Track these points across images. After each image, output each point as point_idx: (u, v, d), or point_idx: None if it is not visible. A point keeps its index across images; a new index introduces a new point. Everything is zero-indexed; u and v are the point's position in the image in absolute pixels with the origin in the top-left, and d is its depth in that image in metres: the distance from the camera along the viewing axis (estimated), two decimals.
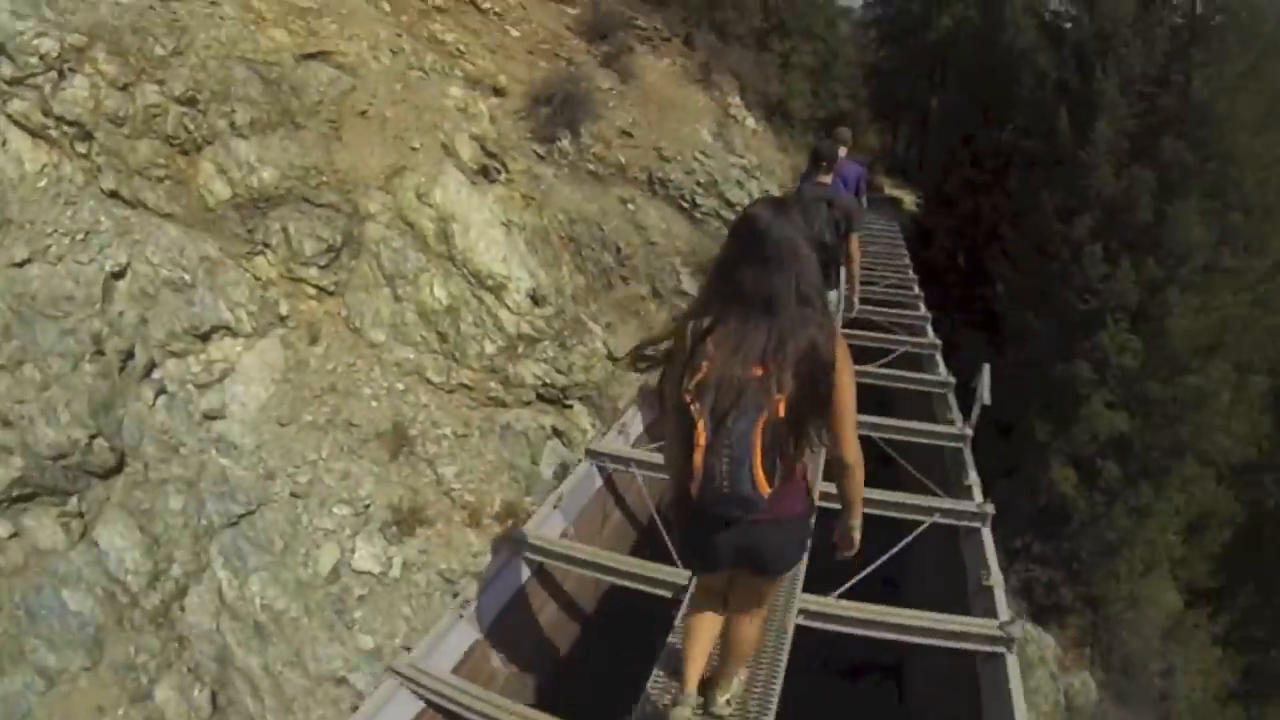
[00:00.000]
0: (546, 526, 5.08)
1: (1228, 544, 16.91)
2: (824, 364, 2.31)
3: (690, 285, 11.61)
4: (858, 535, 2.73)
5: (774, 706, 3.46)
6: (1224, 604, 17.91)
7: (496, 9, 13.26)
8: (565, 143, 11.96)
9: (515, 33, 13.28)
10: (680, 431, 2.35)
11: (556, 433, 7.85)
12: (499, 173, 9.22)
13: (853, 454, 2.52)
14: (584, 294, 9.52)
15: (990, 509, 5.21)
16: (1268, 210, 13.97)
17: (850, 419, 2.47)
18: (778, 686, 3.58)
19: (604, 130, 12.80)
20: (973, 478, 5.86)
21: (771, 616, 3.92)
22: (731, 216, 12.98)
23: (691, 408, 2.28)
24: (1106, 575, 13.71)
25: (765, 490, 2.29)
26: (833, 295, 5.66)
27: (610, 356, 9.05)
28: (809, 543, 2.80)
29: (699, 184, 13.45)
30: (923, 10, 31.85)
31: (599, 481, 6.07)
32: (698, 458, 2.27)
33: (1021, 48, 19.73)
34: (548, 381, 7.95)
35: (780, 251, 2.32)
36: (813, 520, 2.73)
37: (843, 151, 7.68)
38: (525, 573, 4.96)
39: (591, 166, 12.24)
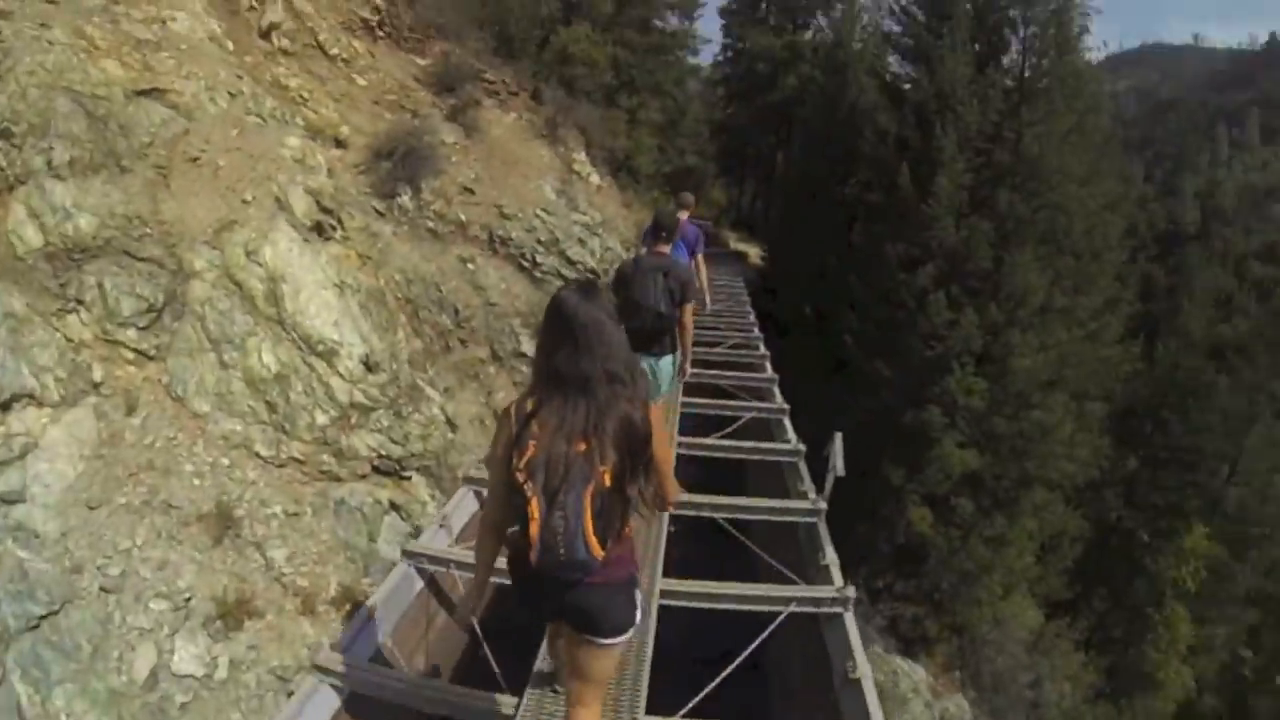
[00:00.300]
0: (358, 644, 4.62)
1: (1079, 557, 18.89)
2: (640, 436, 2.55)
3: (530, 347, 11.65)
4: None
5: None
6: (1080, 612, 19.95)
7: (344, 55, 13.14)
8: (405, 199, 11.92)
9: (362, 81, 13.17)
10: (515, 508, 2.56)
11: (394, 507, 7.63)
12: (334, 229, 8.97)
13: (673, 495, 2.85)
14: (421, 358, 9.41)
15: (851, 593, 5.13)
16: (1095, 254, 15.85)
17: (668, 474, 2.80)
18: None
19: (446, 186, 12.84)
20: (830, 556, 5.72)
21: None
22: (572, 275, 13.30)
23: (524, 486, 2.48)
24: (968, 603, 14.93)
25: (599, 554, 2.50)
26: (669, 360, 5.82)
27: (449, 423, 8.98)
28: (635, 614, 2.88)
29: (540, 242, 13.70)
30: (770, 70, 33.65)
31: (418, 585, 5.55)
32: (533, 530, 2.46)
33: (864, 107, 21.79)
34: (383, 453, 7.74)
35: (588, 334, 2.55)
36: (637, 586, 2.90)
37: (684, 215, 8.20)
38: (332, 706, 4.30)
39: (431, 224, 12.26)
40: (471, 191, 13.26)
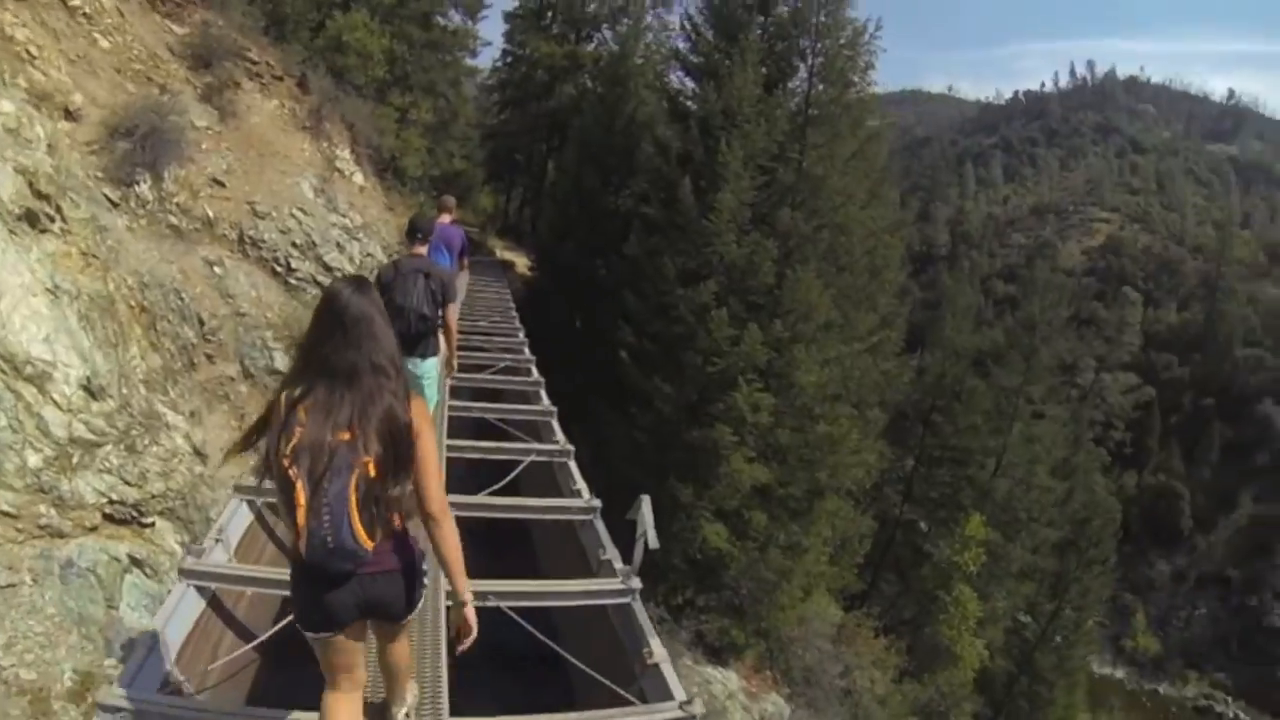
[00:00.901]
0: (144, 676, 4.04)
1: (868, 551, 20.24)
2: (401, 427, 2.64)
3: (284, 363, 10.61)
4: (471, 613, 2.97)
5: None
6: (875, 600, 22.17)
7: (87, 9, 11.12)
8: (144, 188, 10.37)
9: (105, 44, 11.29)
10: (282, 495, 2.57)
11: (136, 563, 6.32)
12: (51, 220, 7.26)
13: (437, 505, 2.82)
14: (159, 378, 8.00)
15: (636, 583, 5.20)
16: (875, 272, 16.74)
17: (432, 473, 2.82)
18: None
19: (193, 176, 11.35)
20: (611, 551, 5.76)
21: None
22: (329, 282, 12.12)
23: (289, 471, 2.50)
24: (771, 608, 15.00)
25: (367, 543, 2.57)
26: (434, 361, 5.92)
27: (197, 454, 7.72)
28: (424, 580, 3.06)
29: (295, 245, 12.53)
30: (547, 78, 33.30)
31: (200, 607, 4.93)
32: (300, 517, 2.50)
33: (643, 119, 22.02)
34: (116, 497, 6.40)
35: (359, 327, 2.64)
36: (424, 564, 3.01)
37: (446, 218, 8.46)
38: None
39: (174, 219, 10.77)
40: (222, 184, 11.78)
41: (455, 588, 2.94)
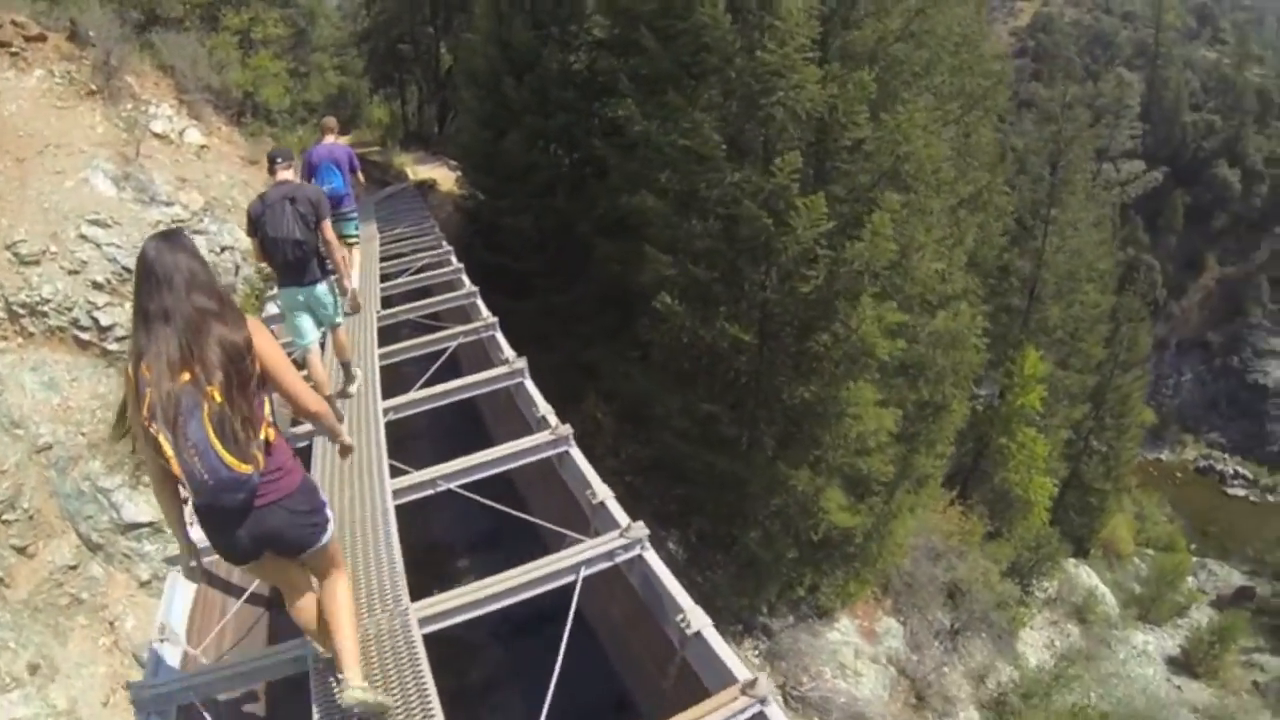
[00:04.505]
0: (162, 671, 4.04)
1: None
2: (237, 347, 2.70)
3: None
4: (347, 439, 3.62)
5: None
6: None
7: None
8: None
9: None
10: (153, 454, 2.67)
11: None
12: None
13: (313, 404, 3.15)
14: None
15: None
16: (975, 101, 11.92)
17: (291, 377, 3.02)
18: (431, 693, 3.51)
19: None
20: (543, 407, 5.96)
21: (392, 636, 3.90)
22: None
23: (151, 429, 2.59)
24: (892, 550, 13.14)
25: (241, 467, 2.64)
26: (324, 288, 5.75)
27: None
28: (324, 510, 3.13)
29: (99, 284, 8.61)
30: None
31: (193, 586, 4.66)
32: (174, 466, 2.58)
33: None
34: None
35: (168, 273, 2.67)
36: (313, 490, 3.11)
37: (330, 138, 8.12)
38: None
39: None
40: None
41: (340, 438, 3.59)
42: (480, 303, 8.60)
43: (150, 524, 7.34)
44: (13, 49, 10.43)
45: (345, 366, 6.35)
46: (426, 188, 22.75)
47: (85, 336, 8.23)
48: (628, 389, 11.85)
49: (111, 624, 6.66)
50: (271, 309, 8.93)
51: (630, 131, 10.36)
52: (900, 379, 10.76)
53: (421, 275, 10.44)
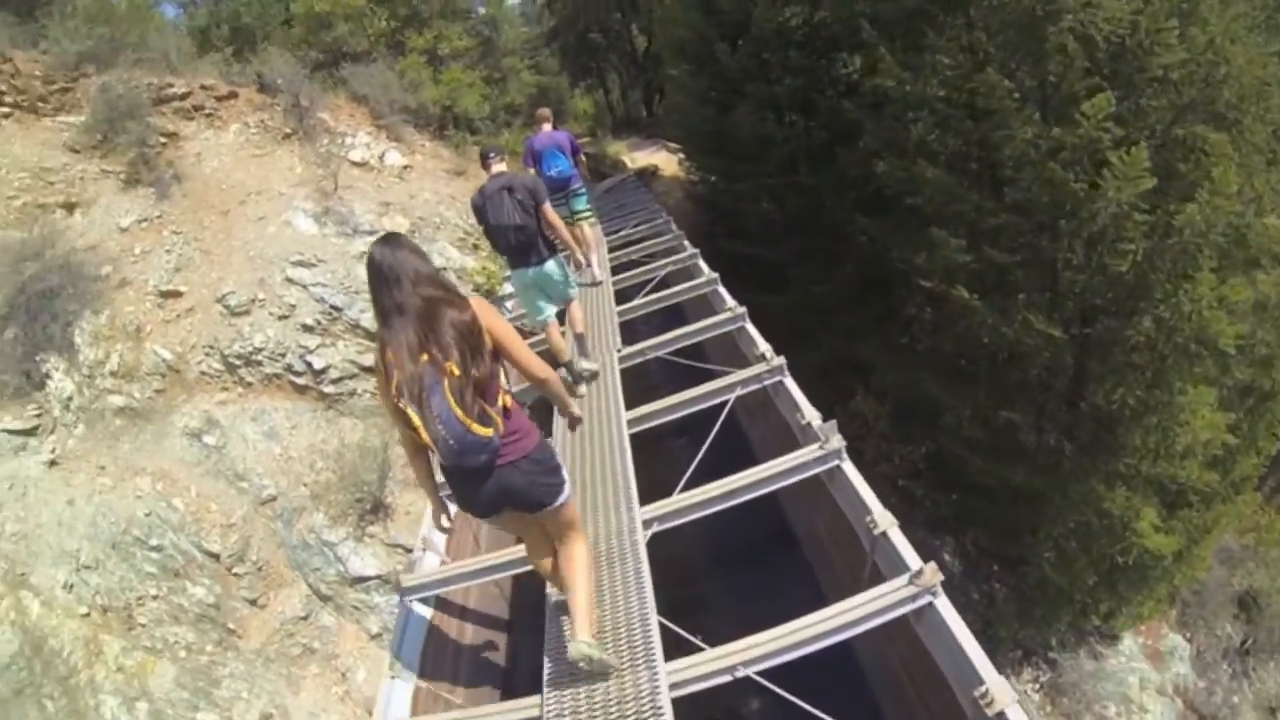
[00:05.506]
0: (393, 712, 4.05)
1: None
2: (466, 325, 2.95)
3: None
4: (575, 410, 3.64)
5: (653, 622, 3.57)
6: None
7: None
8: (57, 380, 6.76)
9: None
10: (404, 426, 2.98)
11: None
12: None
13: (540, 370, 3.30)
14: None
15: (781, 360, 5.24)
16: None
17: (519, 347, 3.18)
18: (648, 595, 3.70)
19: (125, 312, 7.59)
20: (762, 345, 5.97)
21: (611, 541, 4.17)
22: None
23: (400, 404, 2.90)
24: (1197, 565, 10.49)
25: (483, 431, 2.90)
26: (553, 265, 5.95)
27: None
28: (561, 472, 3.33)
29: (310, 327, 8.25)
30: None
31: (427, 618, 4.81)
32: (424, 435, 2.88)
33: None
34: None
35: (395, 271, 2.95)
36: (548, 452, 3.28)
37: (546, 127, 8.31)
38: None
39: (116, 399, 6.96)
40: (174, 294, 7.91)
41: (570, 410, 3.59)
42: (723, 290, 7.89)
43: (377, 576, 6.87)
44: (206, 111, 10.62)
45: (579, 340, 6.50)
46: (648, 175, 21.98)
47: (300, 381, 7.97)
48: (903, 389, 10.08)
49: (344, 674, 6.21)
50: (508, 288, 9.42)
51: (873, 87, 8.59)
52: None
53: (656, 265, 9.60)
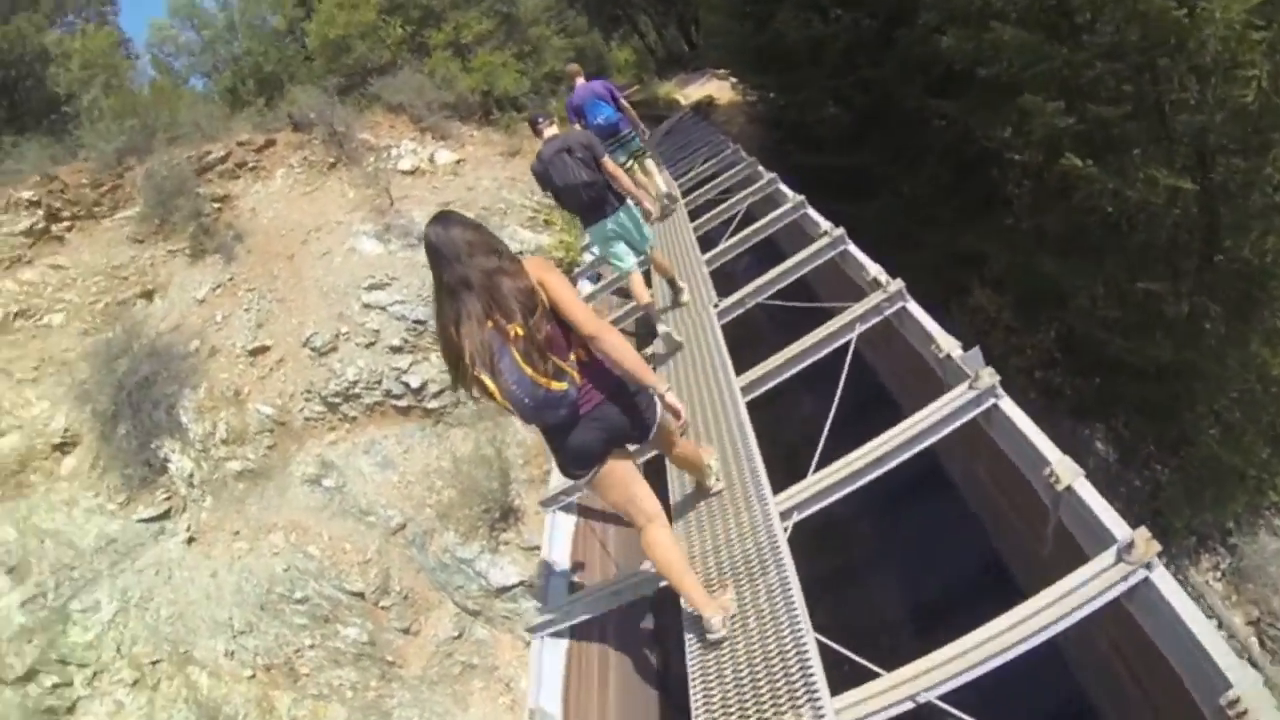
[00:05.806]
0: (551, 597, 4.37)
1: None
2: (525, 289, 2.96)
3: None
4: (671, 397, 3.20)
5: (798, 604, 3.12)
6: None
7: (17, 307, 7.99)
8: (176, 461, 6.97)
9: (57, 318, 8.10)
10: (483, 394, 2.92)
11: None
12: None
13: (591, 326, 3.10)
14: None
15: (899, 284, 4.67)
16: None
17: (573, 304, 3.10)
18: (799, 610, 3.10)
19: (222, 378, 7.70)
20: (873, 269, 5.20)
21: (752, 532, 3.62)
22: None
23: (474, 373, 2.89)
24: None
25: (556, 385, 2.94)
26: (624, 214, 5.93)
27: None
28: (649, 393, 3.23)
29: (394, 346, 8.09)
30: None
31: (571, 523, 4.87)
32: (501, 400, 2.90)
33: None
34: None
35: (452, 248, 2.98)
36: (634, 387, 3.20)
37: (580, 81, 8.27)
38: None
39: (233, 465, 7.06)
40: (263, 349, 7.93)
41: (646, 383, 3.18)
42: (813, 212, 7.09)
43: (520, 583, 6.68)
44: (249, 165, 10.67)
45: (671, 282, 6.43)
46: (705, 107, 21.02)
47: (402, 403, 7.87)
48: (1021, 274, 9.15)
49: (507, 684, 6.07)
50: (587, 258, 9.08)
51: None
52: None
53: (735, 201, 8.65)
